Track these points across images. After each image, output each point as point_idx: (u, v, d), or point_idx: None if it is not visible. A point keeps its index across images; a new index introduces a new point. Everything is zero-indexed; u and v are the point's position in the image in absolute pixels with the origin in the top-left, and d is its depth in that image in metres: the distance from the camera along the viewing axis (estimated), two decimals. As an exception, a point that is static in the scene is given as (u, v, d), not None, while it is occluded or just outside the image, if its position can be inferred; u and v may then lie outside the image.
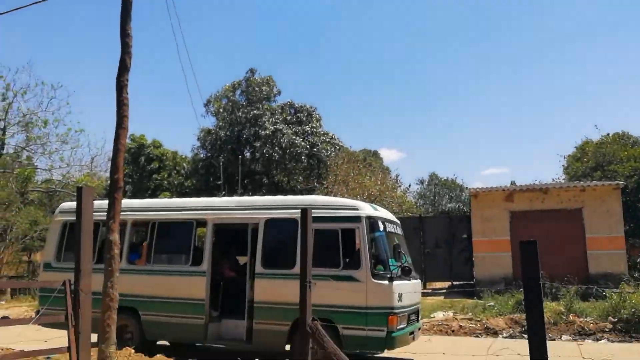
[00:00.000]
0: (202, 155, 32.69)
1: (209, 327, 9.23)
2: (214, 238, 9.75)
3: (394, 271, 8.26)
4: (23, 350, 6.00)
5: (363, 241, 8.38)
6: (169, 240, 10.04)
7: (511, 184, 21.41)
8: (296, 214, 8.69)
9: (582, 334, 12.51)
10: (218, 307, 9.75)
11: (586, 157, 29.56)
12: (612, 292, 14.08)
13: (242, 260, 10.75)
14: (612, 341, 11.56)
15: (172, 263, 9.82)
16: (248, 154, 31.53)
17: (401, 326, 8.30)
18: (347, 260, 8.52)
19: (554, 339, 11.82)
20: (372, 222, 8.61)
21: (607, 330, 12.62)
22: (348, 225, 8.57)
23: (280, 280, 8.71)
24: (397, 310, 8.17)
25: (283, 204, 9.32)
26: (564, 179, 31.77)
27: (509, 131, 72.79)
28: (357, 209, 8.72)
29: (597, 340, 11.85)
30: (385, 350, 8.30)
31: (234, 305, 9.62)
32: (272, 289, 8.75)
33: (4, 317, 15.58)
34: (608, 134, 30.83)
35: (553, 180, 32.19)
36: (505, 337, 12.23)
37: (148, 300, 9.45)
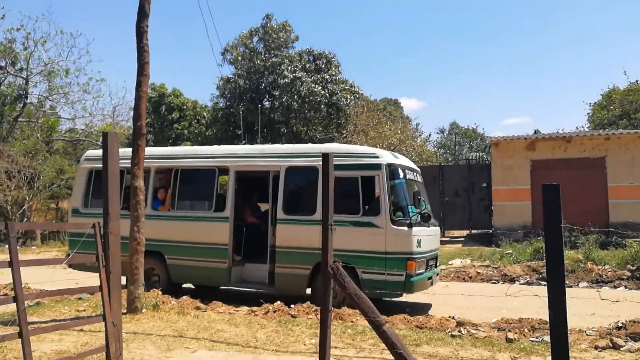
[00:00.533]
0: (221, 105, 32.70)
1: (232, 270, 9.51)
2: (236, 185, 9.92)
3: (413, 218, 8.35)
4: (57, 289, 6.28)
5: (383, 188, 8.45)
6: (192, 187, 10.23)
7: (535, 132, 21.07)
8: (316, 161, 8.78)
9: (599, 281, 12.60)
10: (241, 252, 10.03)
11: (612, 105, 28.87)
12: (632, 241, 14.07)
13: (264, 207, 10.96)
14: (630, 288, 11.63)
15: (195, 209, 10.04)
16: (267, 103, 31.42)
17: (420, 271, 8.47)
18: (367, 207, 8.63)
19: (571, 286, 11.91)
20: (392, 169, 8.65)
21: (624, 278, 12.72)
22: (368, 173, 8.63)
23: (301, 226, 8.88)
24: (415, 256, 8.31)
25: (304, 152, 9.39)
26: (588, 128, 31.20)
27: (531, 79, 71.00)
28: (377, 157, 8.75)
29: (615, 287, 11.94)
30: (404, 294, 8.50)
31: (256, 250, 9.91)
32: (293, 235, 8.95)
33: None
34: (637, 81, 29.93)
35: (577, 128, 31.60)
36: (522, 284, 12.38)
37: (173, 245, 9.74)
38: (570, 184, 17.47)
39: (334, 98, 30.18)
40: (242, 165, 9.75)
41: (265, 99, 31.43)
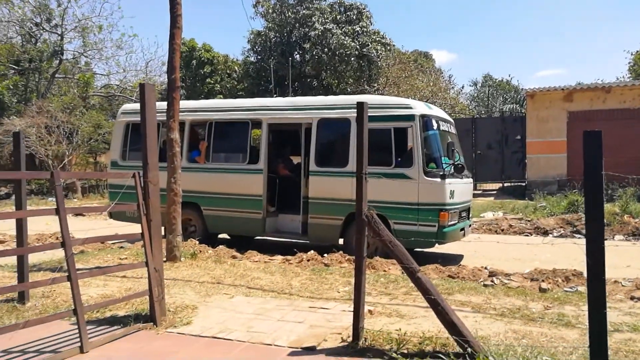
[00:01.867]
0: (252, 59, 32.48)
1: (266, 221, 9.71)
2: (269, 138, 10.00)
3: (446, 169, 8.31)
4: (100, 236, 6.56)
5: (416, 140, 8.40)
6: (226, 140, 10.36)
7: (577, 84, 20.39)
8: (349, 113, 8.77)
9: (636, 234, 12.40)
10: (274, 203, 10.19)
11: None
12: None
13: (296, 160, 11.06)
14: (668, 241, 11.43)
15: (230, 162, 10.18)
16: (298, 57, 31.08)
17: (452, 222, 8.49)
18: (400, 158, 8.61)
19: (607, 239, 11.68)
20: (425, 120, 8.57)
21: (662, 231, 12.53)
22: (401, 124, 8.56)
23: (333, 178, 8.96)
24: (448, 207, 8.32)
25: (335, 104, 9.36)
26: (629, 78, 29.98)
27: (567, 29, 67.94)
28: (410, 108, 8.66)
29: (651, 240, 11.76)
30: (436, 245, 8.56)
31: (290, 201, 10.07)
32: (326, 186, 9.04)
33: (78, 214, 16.84)
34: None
35: (617, 79, 30.41)
36: (556, 236, 12.31)
37: (209, 196, 9.97)
38: (609, 136, 16.92)
39: (365, 50, 29.61)
40: (275, 118, 9.79)
41: (296, 52, 31.07)
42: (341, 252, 8.59)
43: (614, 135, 17.53)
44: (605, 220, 13.26)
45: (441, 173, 8.29)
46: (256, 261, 8.35)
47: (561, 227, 13.31)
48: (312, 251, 8.68)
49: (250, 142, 10.31)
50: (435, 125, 8.70)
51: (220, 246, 9.18)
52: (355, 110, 4.62)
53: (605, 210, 13.40)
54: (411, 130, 8.45)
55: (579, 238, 11.73)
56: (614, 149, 17.16)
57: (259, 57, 31.88)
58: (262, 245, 10.21)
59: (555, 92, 19.26)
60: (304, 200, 9.44)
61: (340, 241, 9.13)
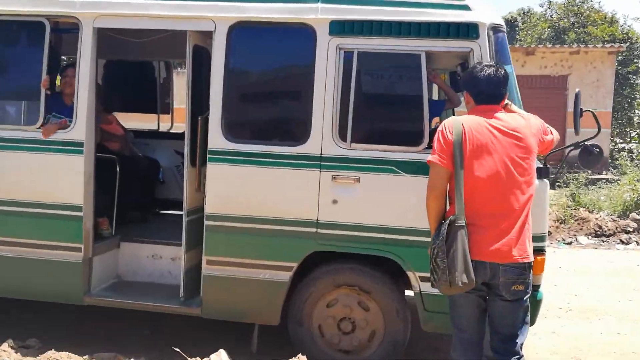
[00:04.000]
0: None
1: (92, 265, 4.08)
2: (105, 70, 5.49)
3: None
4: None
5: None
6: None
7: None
8: (314, 10, 3.56)
9: (599, 234, 9.65)
10: (113, 218, 4.55)
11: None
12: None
13: (165, 123, 5.48)
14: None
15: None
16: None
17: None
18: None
19: (569, 242, 9.25)
20: (498, 39, 3.68)
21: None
22: (448, 45, 3.57)
23: (275, 169, 3.71)
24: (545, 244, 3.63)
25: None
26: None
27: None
28: (467, 9, 3.63)
29: None
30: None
31: (149, 211, 4.61)
32: (252, 189, 3.76)
33: None
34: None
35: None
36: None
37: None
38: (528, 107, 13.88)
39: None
40: (114, 16, 4.00)
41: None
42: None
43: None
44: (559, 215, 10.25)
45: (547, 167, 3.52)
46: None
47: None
48: (221, 353, 3.42)
49: (50, 81, 4.34)
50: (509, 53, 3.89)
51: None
52: None
53: (556, 202, 10.10)
54: (473, 61, 3.50)
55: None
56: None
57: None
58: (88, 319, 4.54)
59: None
60: (190, 218, 3.97)
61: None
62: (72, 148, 3.88)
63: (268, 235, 3.71)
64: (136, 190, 5.12)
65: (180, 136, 5.87)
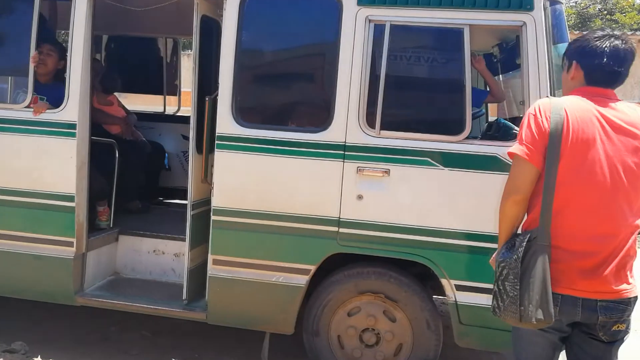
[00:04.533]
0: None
1: (86, 261, 3.66)
2: (108, 45, 4.61)
3: None
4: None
5: (539, 64, 2.99)
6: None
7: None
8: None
9: None
10: (111, 205, 4.14)
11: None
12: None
13: (171, 104, 5.03)
14: None
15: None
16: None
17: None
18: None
19: None
20: (556, 11, 3.18)
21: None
22: (495, 18, 3.07)
23: (291, 158, 3.24)
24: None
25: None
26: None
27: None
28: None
29: None
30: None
31: (150, 199, 4.21)
32: (265, 181, 3.29)
33: None
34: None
35: None
36: None
37: None
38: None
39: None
40: None
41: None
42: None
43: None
44: None
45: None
46: None
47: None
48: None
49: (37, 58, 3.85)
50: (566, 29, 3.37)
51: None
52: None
53: None
54: (526, 37, 3.00)
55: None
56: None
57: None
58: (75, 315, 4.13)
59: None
60: (195, 212, 3.52)
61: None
62: (63, 130, 3.44)
63: (282, 234, 3.26)
64: (138, 177, 4.71)
65: (188, 120, 5.48)
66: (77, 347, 3.82)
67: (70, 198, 3.47)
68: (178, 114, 5.61)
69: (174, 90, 5.75)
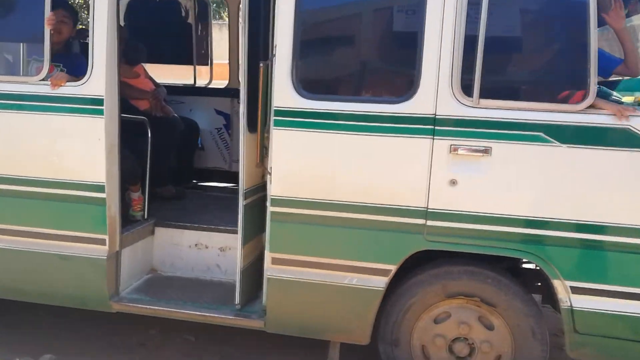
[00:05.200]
0: None
1: (120, 260, 3.16)
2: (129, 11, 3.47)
3: None
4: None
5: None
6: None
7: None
8: None
9: None
10: (145, 191, 3.63)
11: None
12: None
13: (202, 75, 4.48)
14: None
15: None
16: None
17: None
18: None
19: None
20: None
21: None
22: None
23: (362, 137, 2.67)
24: None
25: None
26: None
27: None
28: None
29: None
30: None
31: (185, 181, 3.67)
32: (332, 163, 2.73)
33: None
34: None
35: None
36: None
37: None
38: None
39: None
40: None
41: None
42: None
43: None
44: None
45: None
46: None
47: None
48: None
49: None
50: None
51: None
52: None
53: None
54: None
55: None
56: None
57: None
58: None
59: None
60: (248, 202, 2.96)
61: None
62: (88, 107, 2.88)
63: (356, 228, 2.70)
64: (171, 159, 4.16)
65: (221, 92, 4.91)
66: (113, 355, 3.34)
67: (99, 188, 2.93)
68: (210, 86, 5.02)
69: (205, 59, 5.15)
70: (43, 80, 2.93)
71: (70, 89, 2.91)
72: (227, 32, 4.91)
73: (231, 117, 4.82)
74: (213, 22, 5.42)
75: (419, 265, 2.79)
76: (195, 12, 5.08)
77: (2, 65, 3.44)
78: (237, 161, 4.71)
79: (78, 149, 2.92)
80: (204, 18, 5.18)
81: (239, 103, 4.80)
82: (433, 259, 2.80)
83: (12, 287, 3.19)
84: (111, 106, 2.94)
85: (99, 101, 2.88)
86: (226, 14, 5.65)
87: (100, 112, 2.88)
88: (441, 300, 2.75)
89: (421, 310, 2.78)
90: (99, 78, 2.87)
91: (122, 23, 4.81)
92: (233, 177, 4.75)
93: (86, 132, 2.90)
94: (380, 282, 2.71)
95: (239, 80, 4.85)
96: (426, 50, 2.52)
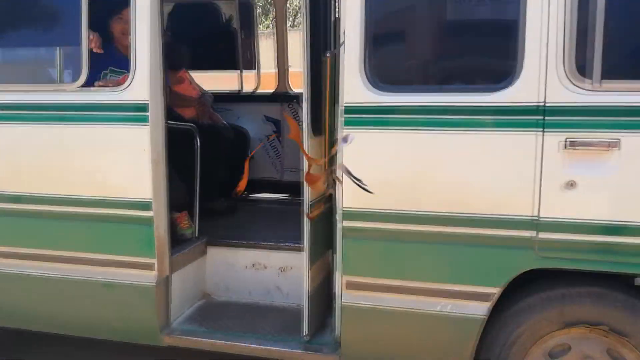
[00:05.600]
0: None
1: (170, 286, 2.80)
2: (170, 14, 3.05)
3: None
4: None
5: None
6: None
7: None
8: None
9: None
10: (194, 219, 3.26)
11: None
12: None
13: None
14: None
15: (22, 81, 2.93)
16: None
17: None
18: None
19: None
20: None
21: None
22: None
23: (455, 134, 2.22)
24: None
25: None
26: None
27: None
28: None
29: None
30: None
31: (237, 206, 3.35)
32: (412, 166, 2.29)
33: None
34: None
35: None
36: None
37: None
38: None
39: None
40: None
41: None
42: None
43: None
44: None
45: None
46: None
47: None
48: None
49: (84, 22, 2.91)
50: None
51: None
52: None
53: None
54: None
55: None
56: None
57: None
58: None
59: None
60: (313, 221, 2.54)
61: None
62: (130, 114, 2.53)
63: (448, 244, 2.24)
64: (222, 170, 3.79)
65: (269, 99, 4.56)
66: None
67: (145, 205, 2.57)
68: (258, 92, 4.66)
69: (250, 63, 4.80)
70: (82, 86, 2.59)
71: (109, 95, 2.56)
72: (266, 41, 4.57)
73: (281, 124, 4.47)
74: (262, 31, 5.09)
75: (521, 286, 2.30)
76: (239, 15, 4.75)
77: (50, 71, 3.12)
78: (290, 170, 4.37)
79: (120, 162, 2.58)
80: (249, 21, 4.83)
81: (289, 107, 4.49)
82: (539, 277, 2.31)
83: (50, 319, 2.86)
84: (156, 112, 2.58)
85: (142, 107, 2.53)
86: (265, 23, 5.32)
87: (145, 120, 2.53)
88: (558, 329, 2.25)
89: (532, 342, 2.28)
90: (142, 81, 2.52)
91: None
92: (285, 187, 4.38)
93: (129, 143, 2.55)
94: (479, 309, 2.24)
95: (287, 85, 4.57)
96: (529, 22, 2.05)
